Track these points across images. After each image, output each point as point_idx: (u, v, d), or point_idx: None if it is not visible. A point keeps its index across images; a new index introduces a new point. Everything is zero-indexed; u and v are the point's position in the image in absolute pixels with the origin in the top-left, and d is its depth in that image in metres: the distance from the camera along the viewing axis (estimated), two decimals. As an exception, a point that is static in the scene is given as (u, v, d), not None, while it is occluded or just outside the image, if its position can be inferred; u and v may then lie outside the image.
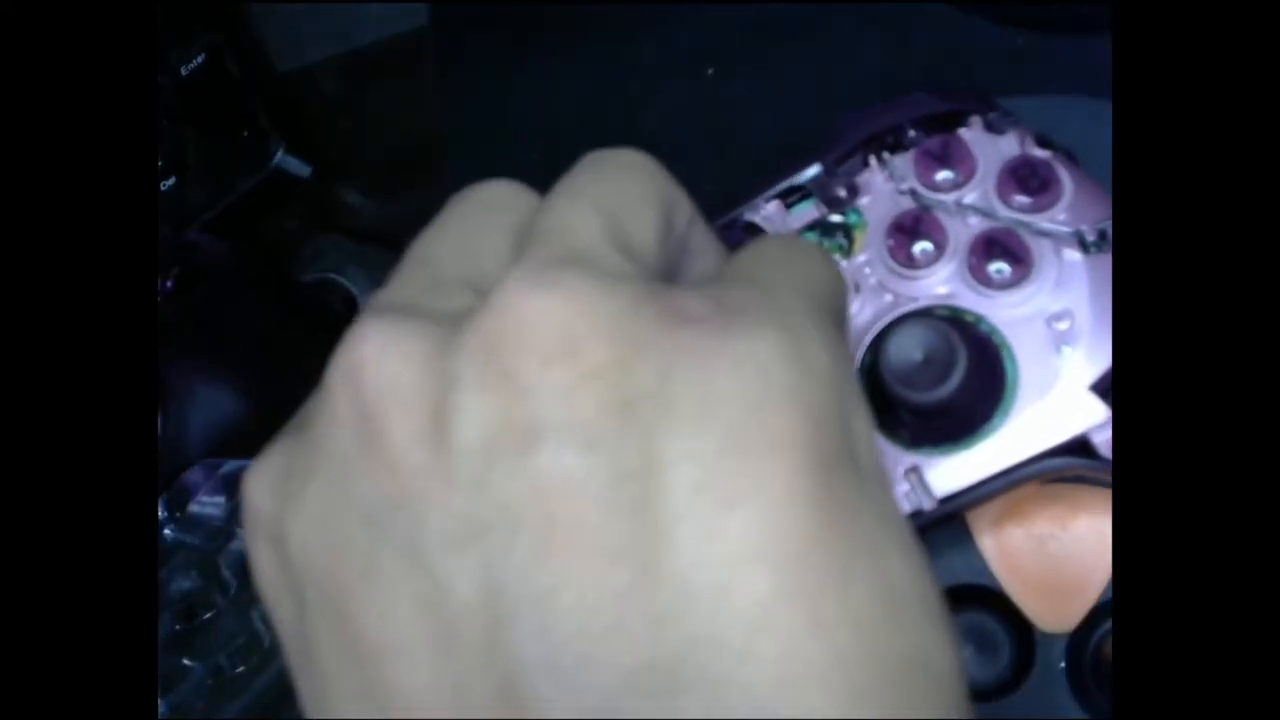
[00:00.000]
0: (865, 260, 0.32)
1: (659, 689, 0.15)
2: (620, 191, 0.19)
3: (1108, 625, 0.31)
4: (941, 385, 0.28)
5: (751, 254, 0.20)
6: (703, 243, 0.21)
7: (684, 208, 0.21)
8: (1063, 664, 0.31)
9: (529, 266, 0.17)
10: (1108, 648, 0.31)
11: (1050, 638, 0.32)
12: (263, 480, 0.19)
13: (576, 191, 0.19)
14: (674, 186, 0.20)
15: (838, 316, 0.20)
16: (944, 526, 0.32)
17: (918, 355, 0.29)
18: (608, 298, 0.17)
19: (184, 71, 0.48)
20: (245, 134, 0.49)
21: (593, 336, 0.16)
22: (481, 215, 0.20)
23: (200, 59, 0.48)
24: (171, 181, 0.49)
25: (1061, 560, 0.32)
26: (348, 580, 0.17)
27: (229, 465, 0.41)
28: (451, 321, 0.17)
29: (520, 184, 0.21)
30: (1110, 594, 0.31)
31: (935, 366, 0.29)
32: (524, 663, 0.15)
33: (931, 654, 0.16)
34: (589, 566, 0.15)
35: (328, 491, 0.17)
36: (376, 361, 0.17)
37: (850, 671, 0.15)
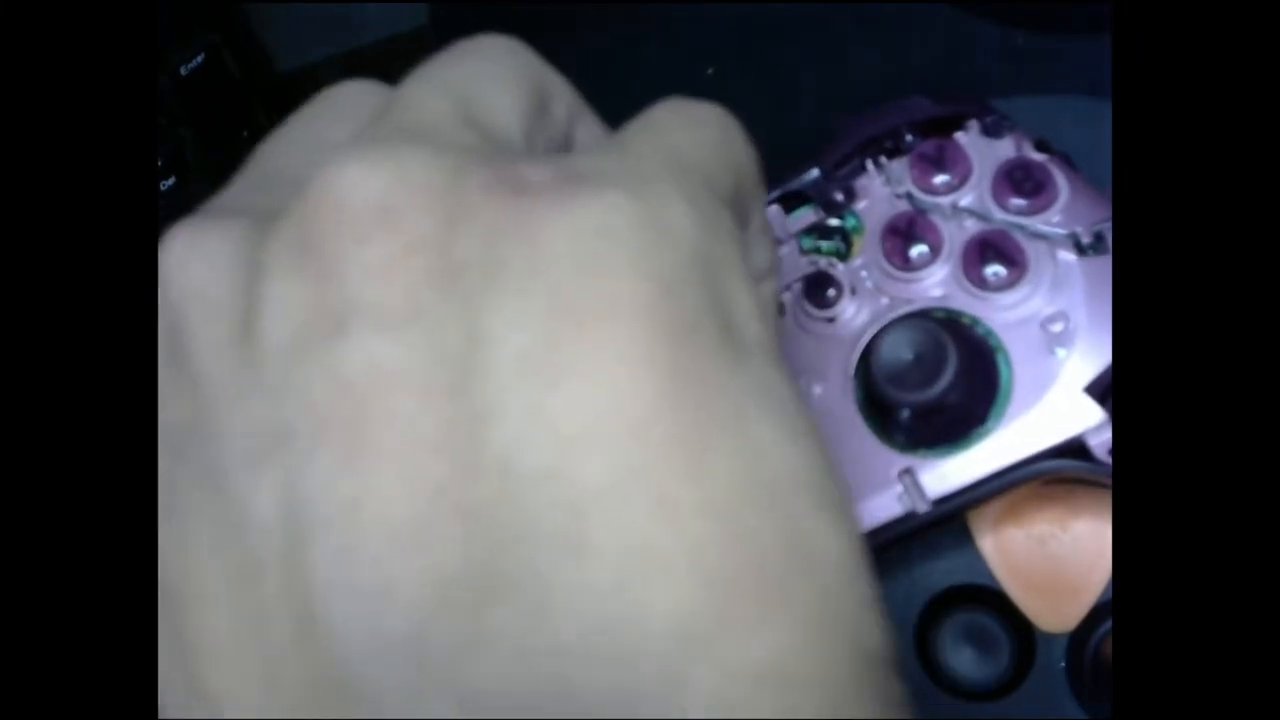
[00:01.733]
0: (862, 263, 0.32)
1: (474, 603, 0.13)
2: (477, 71, 0.17)
3: (1108, 625, 0.31)
4: (932, 385, 0.28)
5: (633, 123, 0.18)
6: (590, 137, 0.19)
7: (563, 96, 0.19)
8: (1063, 664, 0.31)
9: (356, 142, 0.15)
10: (1108, 648, 0.31)
11: (1050, 638, 0.32)
12: None
13: (428, 74, 0.17)
14: (550, 73, 0.18)
15: (722, 188, 0.17)
16: (943, 527, 0.32)
17: (908, 355, 0.29)
18: (433, 166, 0.15)
19: (183, 71, 0.48)
20: (245, 134, 0.49)
21: (412, 207, 0.14)
22: (329, 115, 0.18)
23: (200, 59, 0.48)
24: (171, 181, 0.48)
25: (1061, 560, 0.32)
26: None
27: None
28: (272, 217, 0.15)
29: (378, 83, 0.19)
30: (1110, 594, 0.31)
31: (925, 366, 0.29)
32: (323, 590, 0.13)
33: (814, 541, 0.14)
34: (397, 465, 0.13)
35: None
36: (180, 267, 0.15)
37: (706, 561, 0.13)
